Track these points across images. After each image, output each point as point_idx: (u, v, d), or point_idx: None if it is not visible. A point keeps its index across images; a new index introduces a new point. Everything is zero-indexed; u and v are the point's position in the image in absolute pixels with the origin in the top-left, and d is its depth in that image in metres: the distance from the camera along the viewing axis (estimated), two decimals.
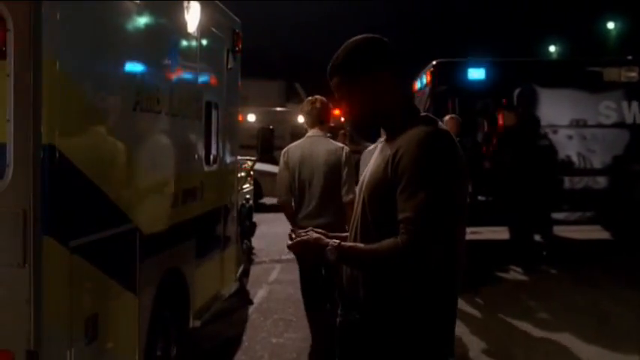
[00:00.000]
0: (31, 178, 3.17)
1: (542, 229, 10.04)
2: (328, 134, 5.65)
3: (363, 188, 2.48)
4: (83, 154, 3.53)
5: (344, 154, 5.35)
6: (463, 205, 2.38)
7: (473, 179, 9.64)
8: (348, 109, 2.50)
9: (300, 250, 2.46)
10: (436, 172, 2.24)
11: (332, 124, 9.01)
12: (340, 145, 5.54)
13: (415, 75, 13.18)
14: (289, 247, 2.49)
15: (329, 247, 2.37)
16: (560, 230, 11.28)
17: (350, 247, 2.38)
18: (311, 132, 5.51)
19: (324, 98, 5.53)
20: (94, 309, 3.68)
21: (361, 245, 2.36)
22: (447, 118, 8.29)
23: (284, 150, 5.53)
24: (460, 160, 2.33)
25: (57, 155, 3.25)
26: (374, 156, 2.54)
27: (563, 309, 7.62)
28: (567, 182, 11.02)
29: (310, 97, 5.60)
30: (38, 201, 3.18)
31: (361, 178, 2.57)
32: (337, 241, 2.40)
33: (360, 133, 2.61)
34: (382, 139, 2.54)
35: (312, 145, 5.42)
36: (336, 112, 28.09)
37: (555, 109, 11.06)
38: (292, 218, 5.42)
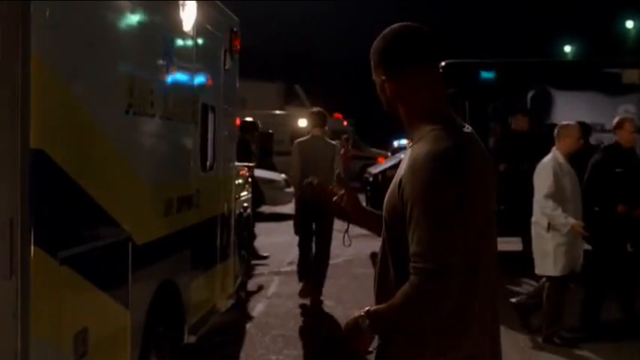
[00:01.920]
0: (18, 184, 3.18)
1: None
2: (325, 136, 9.11)
3: (384, 208, 2.40)
4: (73, 160, 3.55)
5: (334, 148, 9.04)
6: (483, 227, 2.25)
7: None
8: (384, 103, 2.42)
9: (345, 337, 2.37)
10: (442, 198, 2.13)
11: (329, 128, 11.53)
12: (333, 142, 9.19)
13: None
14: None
15: (360, 317, 2.30)
16: None
17: (377, 309, 2.29)
18: (314, 131, 8.91)
19: (321, 109, 9.14)
20: (84, 323, 3.69)
21: (383, 305, 2.26)
22: None
23: (296, 142, 8.89)
24: (475, 177, 2.20)
25: (45, 161, 3.27)
26: (399, 168, 2.40)
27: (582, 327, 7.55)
28: None
29: (314, 109, 9.05)
30: (25, 209, 3.19)
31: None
32: (366, 308, 2.31)
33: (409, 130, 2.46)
34: (410, 143, 2.41)
35: (314, 140, 8.86)
36: (338, 115, 28.16)
37: (571, 113, 11.04)
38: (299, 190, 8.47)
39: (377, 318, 2.27)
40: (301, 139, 9.00)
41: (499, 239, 2.42)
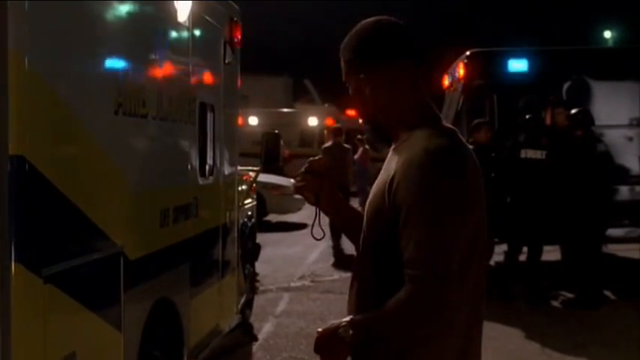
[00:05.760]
0: None
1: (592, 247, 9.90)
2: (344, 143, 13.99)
3: (365, 214, 2.47)
4: (58, 167, 3.56)
5: (349, 151, 14.62)
6: (478, 228, 2.33)
7: (515, 189, 9.62)
8: (359, 104, 2.50)
9: (318, 348, 2.44)
10: (440, 200, 2.20)
11: (343, 128, 15.79)
12: (348, 146, 14.71)
13: (445, 69, 13.19)
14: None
15: (341, 327, 2.36)
16: (618, 249, 11.22)
17: (361, 319, 2.36)
18: (336, 140, 14.08)
19: (339, 125, 14.83)
20: (71, 347, 3.70)
21: (370, 314, 2.34)
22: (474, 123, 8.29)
23: (324, 146, 14.38)
24: (474, 183, 2.29)
25: (27, 168, 3.28)
26: (382, 169, 2.49)
27: (620, 343, 7.60)
28: (626, 192, 10.96)
29: (336, 124, 14.00)
30: (5, 222, 3.20)
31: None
32: (347, 318, 2.38)
33: (375, 135, 2.60)
34: (393, 145, 2.49)
35: (336, 147, 13.76)
36: (352, 112, 28.20)
37: (611, 106, 11.02)
38: None
39: (363, 328, 2.34)
40: (327, 145, 14.62)
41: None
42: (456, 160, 2.27)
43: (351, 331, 2.33)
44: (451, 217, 2.21)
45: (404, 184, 2.24)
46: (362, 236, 2.46)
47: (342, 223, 2.78)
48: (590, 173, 9.16)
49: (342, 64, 2.51)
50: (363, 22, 2.49)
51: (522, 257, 9.71)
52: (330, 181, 2.69)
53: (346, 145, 14.77)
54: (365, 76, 2.44)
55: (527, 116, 9.85)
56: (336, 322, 2.40)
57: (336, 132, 14.66)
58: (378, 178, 2.43)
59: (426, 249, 2.19)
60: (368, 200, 2.45)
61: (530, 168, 9.38)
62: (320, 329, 2.46)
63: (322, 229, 2.77)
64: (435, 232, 2.19)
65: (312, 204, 2.72)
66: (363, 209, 2.53)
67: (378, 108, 2.45)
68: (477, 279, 2.36)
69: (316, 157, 2.74)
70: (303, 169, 2.70)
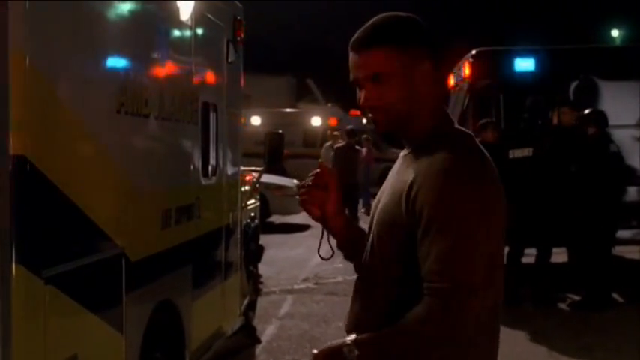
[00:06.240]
0: None
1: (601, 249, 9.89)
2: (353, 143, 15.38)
3: (374, 223, 2.34)
4: (59, 167, 3.56)
5: (360, 152, 16.60)
6: (501, 238, 2.23)
7: (522, 191, 9.59)
8: (377, 97, 2.27)
9: None
10: (467, 210, 2.10)
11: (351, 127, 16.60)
12: (359, 148, 16.42)
13: (450, 68, 13.18)
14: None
15: (346, 346, 2.19)
16: (625, 251, 11.21)
17: (370, 337, 2.19)
18: (348, 141, 15.23)
19: (352, 127, 15.88)
20: (72, 349, 3.70)
21: (378, 333, 2.17)
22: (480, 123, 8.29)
23: (336, 146, 15.83)
24: (498, 189, 2.20)
25: (28, 168, 3.29)
26: (391, 175, 2.37)
27: (626, 346, 7.59)
28: (634, 193, 10.94)
29: (347, 127, 15.72)
30: (5, 223, 3.20)
31: (373, 205, 2.43)
32: (352, 336, 2.21)
33: (385, 133, 2.37)
34: (405, 151, 2.36)
35: (347, 146, 15.12)
36: (355, 112, 28.20)
37: (619, 106, 11.00)
38: None
39: (371, 347, 2.18)
40: (339, 145, 15.71)
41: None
42: (481, 168, 2.18)
43: (357, 352, 2.17)
44: (476, 228, 2.10)
45: (426, 192, 2.12)
46: (370, 248, 2.33)
47: (345, 241, 2.55)
48: (601, 174, 9.14)
49: (366, 52, 2.28)
50: (391, 13, 2.32)
51: (524, 259, 9.69)
52: (337, 195, 2.48)
53: (358, 147, 16.14)
54: (401, 67, 2.25)
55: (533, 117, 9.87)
56: (337, 341, 2.23)
57: (350, 133, 15.67)
58: (391, 185, 2.30)
59: (450, 260, 2.08)
60: (379, 209, 2.32)
61: (519, 167, 9.35)
62: (315, 350, 2.30)
63: (331, 247, 2.55)
64: (460, 243, 2.08)
65: (316, 220, 2.52)
66: (367, 210, 2.45)
67: (401, 104, 2.26)
68: (498, 297, 2.24)
69: (322, 166, 2.51)
70: (309, 181, 2.48)
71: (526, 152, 9.48)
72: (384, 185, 2.40)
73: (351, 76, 2.33)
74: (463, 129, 2.35)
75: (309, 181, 2.48)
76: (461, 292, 2.07)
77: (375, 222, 2.33)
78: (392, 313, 2.18)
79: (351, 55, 2.33)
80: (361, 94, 2.31)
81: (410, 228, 2.15)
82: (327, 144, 20.52)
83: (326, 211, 2.48)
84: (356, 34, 2.34)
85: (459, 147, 2.20)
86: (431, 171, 2.14)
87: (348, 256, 2.58)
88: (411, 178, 2.18)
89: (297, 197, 2.48)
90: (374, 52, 2.26)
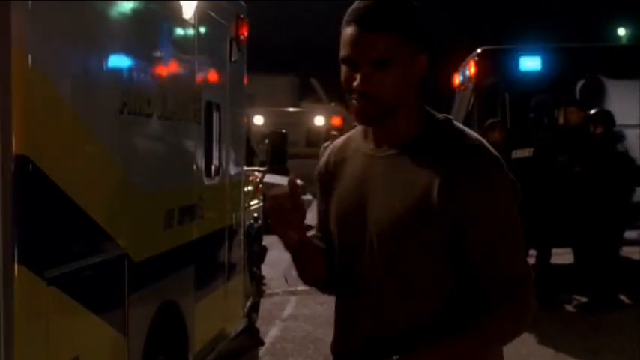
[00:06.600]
0: (0, 195, 3.21)
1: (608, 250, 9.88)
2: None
3: (378, 231, 2.19)
4: (61, 167, 3.57)
5: None
6: None
7: (523, 192, 9.57)
8: (377, 84, 2.10)
9: None
10: (509, 203, 2.15)
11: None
12: None
13: (456, 67, 13.18)
14: None
15: None
16: (630, 252, 11.19)
17: (429, 352, 2.10)
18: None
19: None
20: (75, 351, 3.71)
21: (435, 348, 2.11)
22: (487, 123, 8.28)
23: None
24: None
25: (30, 168, 3.29)
26: (379, 177, 2.22)
27: (632, 349, 7.58)
28: None
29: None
30: (8, 223, 3.20)
31: (349, 213, 2.33)
32: (395, 357, 2.11)
33: (367, 123, 2.28)
34: (389, 151, 2.22)
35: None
36: None
37: (626, 105, 10.99)
38: None
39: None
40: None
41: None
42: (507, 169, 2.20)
43: None
44: (517, 218, 2.17)
45: (479, 191, 2.09)
46: (380, 251, 2.18)
47: (304, 261, 2.41)
48: (609, 173, 9.13)
49: (375, 34, 2.09)
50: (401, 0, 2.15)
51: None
52: (297, 216, 2.27)
53: None
54: (408, 57, 2.12)
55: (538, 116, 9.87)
56: None
57: None
58: (401, 187, 2.16)
59: (515, 262, 2.15)
60: (387, 210, 2.17)
61: (521, 167, 9.33)
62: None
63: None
64: (511, 235, 2.15)
65: (292, 248, 2.32)
66: None
67: (397, 95, 2.13)
68: None
69: (292, 184, 2.20)
70: (278, 202, 2.21)
71: (527, 152, 9.48)
72: (356, 190, 2.28)
73: (346, 53, 2.13)
74: (457, 123, 2.27)
75: (277, 202, 2.20)
76: (527, 281, 2.17)
77: (381, 230, 2.18)
78: (440, 308, 2.16)
79: (354, 30, 2.11)
80: (356, 76, 2.11)
81: (447, 226, 2.09)
82: (325, 144, 20.54)
83: (302, 235, 2.30)
84: (362, 7, 2.13)
85: (477, 141, 2.18)
86: (476, 169, 2.11)
87: (302, 274, 2.47)
88: (441, 177, 2.08)
89: (302, 197, 2.35)
90: (387, 37, 2.08)
